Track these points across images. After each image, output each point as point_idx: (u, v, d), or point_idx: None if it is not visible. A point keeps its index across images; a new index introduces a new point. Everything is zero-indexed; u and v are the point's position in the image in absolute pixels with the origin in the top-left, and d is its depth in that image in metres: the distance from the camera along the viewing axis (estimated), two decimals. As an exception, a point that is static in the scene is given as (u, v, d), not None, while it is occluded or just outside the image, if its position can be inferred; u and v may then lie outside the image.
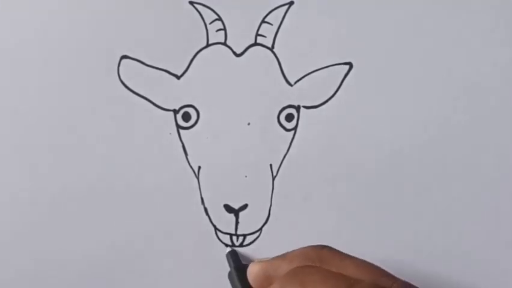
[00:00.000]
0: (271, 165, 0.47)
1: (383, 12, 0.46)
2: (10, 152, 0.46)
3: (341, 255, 0.37)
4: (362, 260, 0.37)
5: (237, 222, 0.47)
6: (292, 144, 0.47)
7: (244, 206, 0.47)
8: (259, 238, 0.47)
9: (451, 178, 0.47)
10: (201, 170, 0.47)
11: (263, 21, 0.46)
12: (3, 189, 0.46)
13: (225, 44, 0.46)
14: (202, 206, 0.47)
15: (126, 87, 0.46)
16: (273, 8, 0.46)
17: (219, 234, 0.47)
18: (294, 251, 0.39)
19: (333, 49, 0.47)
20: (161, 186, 0.47)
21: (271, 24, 0.46)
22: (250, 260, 0.46)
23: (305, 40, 0.46)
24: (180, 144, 0.47)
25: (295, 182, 0.47)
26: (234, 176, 0.47)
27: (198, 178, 0.47)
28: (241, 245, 0.47)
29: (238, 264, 0.45)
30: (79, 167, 0.46)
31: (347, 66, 0.47)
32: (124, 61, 0.46)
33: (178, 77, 0.47)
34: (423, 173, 0.47)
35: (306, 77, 0.47)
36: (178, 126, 0.47)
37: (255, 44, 0.46)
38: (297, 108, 0.47)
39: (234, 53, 0.46)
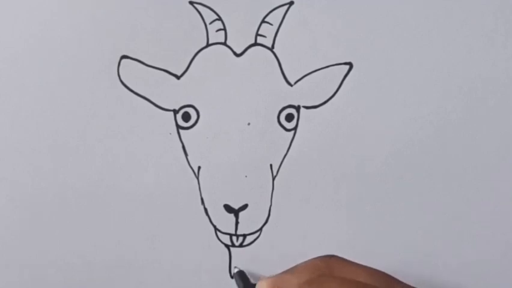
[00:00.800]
0: (271, 165, 0.47)
1: (383, 12, 0.46)
2: (10, 152, 0.46)
3: (350, 263, 0.37)
4: (371, 267, 0.37)
5: (237, 222, 0.47)
6: (292, 144, 0.47)
7: (244, 206, 0.47)
8: (259, 238, 0.47)
9: (451, 178, 0.47)
10: (200, 170, 0.47)
11: (263, 21, 0.46)
12: (4, 189, 0.46)
13: (225, 44, 0.46)
14: (202, 206, 0.47)
15: (126, 87, 0.46)
16: (273, 8, 0.46)
17: (219, 234, 0.47)
18: (302, 263, 0.38)
19: (333, 49, 0.46)
20: (161, 186, 0.47)
21: (271, 24, 0.46)
22: (251, 262, 0.46)
23: (305, 40, 0.46)
24: (180, 144, 0.47)
25: (295, 182, 0.47)
26: (234, 176, 0.47)
27: (197, 178, 0.47)
28: (241, 245, 0.47)
29: (246, 284, 0.45)
30: (79, 167, 0.46)
31: (347, 66, 0.47)
32: (124, 61, 0.46)
33: (178, 77, 0.47)
34: (424, 172, 0.47)
35: (306, 77, 0.47)
36: (178, 126, 0.47)
37: (255, 44, 0.46)
38: (297, 108, 0.47)
39: (234, 53, 0.46)
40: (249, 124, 0.47)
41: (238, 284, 0.46)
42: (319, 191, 0.47)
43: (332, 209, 0.47)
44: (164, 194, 0.47)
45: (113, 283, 0.47)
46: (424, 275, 0.47)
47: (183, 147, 0.47)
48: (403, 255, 0.47)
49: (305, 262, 0.38)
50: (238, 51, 0.47)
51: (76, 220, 0.47)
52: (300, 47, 0.47)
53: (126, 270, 0.47)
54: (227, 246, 0.47)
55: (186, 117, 0.47)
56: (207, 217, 0.47)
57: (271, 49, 0.47)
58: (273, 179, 0.47)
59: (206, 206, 0.47)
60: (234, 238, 0.47)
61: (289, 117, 0.47)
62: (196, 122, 0.47)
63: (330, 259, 0.37)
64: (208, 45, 0.46)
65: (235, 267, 0.47)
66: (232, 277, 0.47)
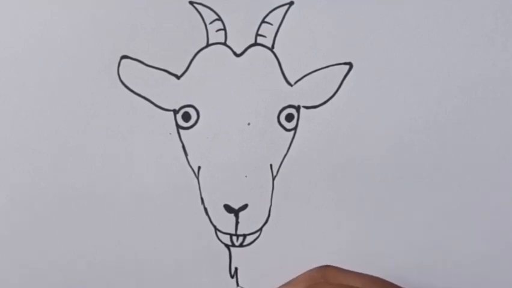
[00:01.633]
0: (271, 165, 0.47)
1: (383, 12, 0.46)
2: (10, 152, 0.46)
3: (345, 272, 0.38)
4: (367, 274, 0.37)
5: (237, 222, 0.47)
6: (292, 144, 0.47)
7: (244, 206, 0.47)
8: (259, 238, 0.47)
9: (451, 178, 0.47)
10: (200, 170, 0.47)
11: (263, 21, 0.46)
12: (4, 189, 0.46)
13: (225, 44, 0.46)
14: (202, 206, 0.47)
15: (126, 87, 0.46)
16: (273, 8, 0.46)
17: (219, 234, 0.47)
18: (298, 276, 0.39)
19: (333, 49, 0.46)
20: (161, 186, 0.47)
21: (271, 24, 0.46)
22: (251, 262, 0.46)
23: (305, 40, 0.46)
24: (180, 144, 0.47)
25: (295, 182, 0.47)
26: (234, 176, 0.47)
27: (197, 178, 0.47)
28: (241, 245, 0.47)
29: None
30: (79, 167, 0.46)
31: (347, 66, 0.47)
32: (124, 61, 0.46)
33: (178, 77, 0.47)
34: (424, 172, 0.47)
35: (306, 77, 0.47)
36: (178, 126, 0.47)
37: (255, 44, 0.46)
38: (297, 108, 0.47)
39: (234, 53, 0.46)
40: (249, 124, 0.47)
41: None
42: (319, 191, 0.47)
43: (332, 209, 0.47)
44: (164, 193, 0.47)
45: (113, 283, 0.47)
46: (425, 275, 0.47)
47: (183, 147, 0.47)
48: (403, 255, 0.47)
49: (301, 274, 0.39)
50: (238, 51, 0.47)
51: (76, 220, 0.47)
52: (300, 47, 0.47)
53: (126, 270, 0.47)
54: (227, 246, 0.47)
55: (186, 117, 0.47)
56: (207, 217, 0.47)
57: (271, 49, 0.47)
58: (273, 179, 0.47)
59: (206, 206, 0.47)
60: (234, 238, 0.47)
61: (289, 117, 0.47)
62: (196, 122, 0.47)
63: (326, 269, 0.38)
64: (208, 45, 0.46)
65: (237, 285, 0.47)
66: (232, 277, 0.47)
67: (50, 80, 0.46)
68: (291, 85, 0.47)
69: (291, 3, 0.46)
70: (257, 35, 0.46)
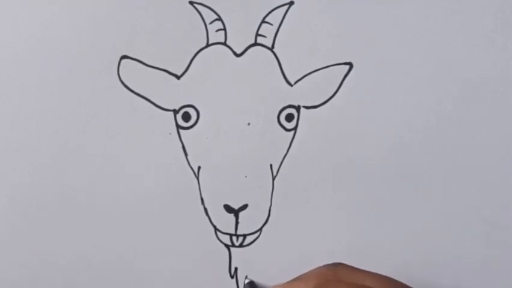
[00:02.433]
0: (271, 165, 0.47)
1: (383, 13, 0.46)
2: (10, 152, 0.46)
3: (356, 270, 0.37)
4: (378, 273, 0.37)
5: (237, 222, 0.47)
6: (292, 144, 0.47)
7: (244, 206, 0.47)
8: (259, 238, 0.47)
9: (451, 178, 0.47)
10: (200, 170, 0.47)
11: (263, 21, 0.46)
12: (4, 189, 0.46)
13: (225, 44, 0.46)
14: (202, 206, 0.47)
15: (126, 87, 0.46)
16: (273, 8, 0.46)
17: (219, 234, 0.47)
18: (308, 272, 0.39)
19: (333, 49, 0.47)
20: (161, 186, 0.47)
21: (271, 24, 0.46)
22: (251, 262, 0.46)
23: (305, 40, 0.46)
24: (180, 144, 0.47)
25: (296, 182, 0.47)
26: (233, 176, 0.47)
27: (197, 178, 0.47)
28: (241, 245, 0.47)
29: None
30: (79, 167, 0.46)
31: (347, 66, 0.47)
32: (124, 61, 0.46)
33: (178, 77, 0.47)
34: (424, 172, 0.47)
35: (306, 77, 0.47)
36: (178, 126, 0.47)
37: (255, 44, 0.46)
38: (297, 108, 0.47)
39: (234, 53, 0.46)
40: (249, 124, 0.47)
41: None
42: (319, 191, 0.47)
43: (332, 209, 0.47)
44: (164, 194, 0.47)
45: (113, 283, 0.47)
46: (425, 275, 0.47)
47: (183, 147, 0.47)
48: (403, 255, 0.47)
49: (312, 270, 0.38)
50: (238, 51, 0.47)
51: (76, 220, 0.47)
52: (300, 47, 0.47)
53: (126, 270, 0.47)
54: (227, 246, 0.47)
55: (186, 117, 0.47)
56: (207, 217, 0.47)
57: (271, 49, 0.47)
58: (273, 179, 0.47)
59: (206, 206, 0.47)
60: (234, 238, 0.47)
61: (289, 117, 0.47)
62: (196, 122, 0.47)
63: (337, 267, 0.38)
64: (208, 45, 0.46)
65: (246, 277, 0.47)
66: (232, 277, 0.47)
67: (50, 80, 0.46)
68: (291, 85, 0.47)
69: (291, 3, 0.46)
70: (257, 35, 0.46)
